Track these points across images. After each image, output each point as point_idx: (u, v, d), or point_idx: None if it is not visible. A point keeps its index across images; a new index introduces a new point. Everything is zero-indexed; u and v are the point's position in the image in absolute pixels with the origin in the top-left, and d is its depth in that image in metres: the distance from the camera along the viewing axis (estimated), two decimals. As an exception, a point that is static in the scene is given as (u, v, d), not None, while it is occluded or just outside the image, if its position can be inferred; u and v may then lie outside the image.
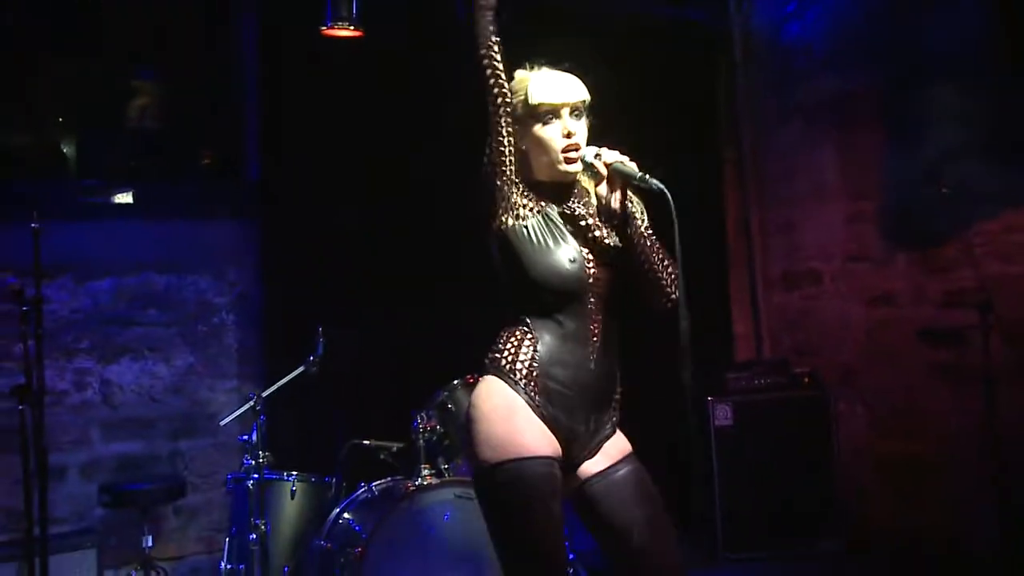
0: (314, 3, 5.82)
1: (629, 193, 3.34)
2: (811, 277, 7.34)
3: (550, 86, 3.29)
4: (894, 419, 6.77)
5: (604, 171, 3.26)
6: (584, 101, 3.32)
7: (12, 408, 4.64)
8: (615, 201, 3.26)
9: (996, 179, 5.98)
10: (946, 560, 6.14)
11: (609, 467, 3.28)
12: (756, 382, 6.63)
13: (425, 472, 4.93)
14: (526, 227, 3.23)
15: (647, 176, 3.16)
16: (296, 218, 6.53)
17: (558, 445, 3.17)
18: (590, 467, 3.28)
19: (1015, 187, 5.95)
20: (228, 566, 5.29)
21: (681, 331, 3.10)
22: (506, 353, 3.22)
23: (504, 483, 3.11)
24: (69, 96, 6.63)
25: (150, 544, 5.70)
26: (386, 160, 6.59)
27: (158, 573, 5.83)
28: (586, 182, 3.41)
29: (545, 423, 3.17)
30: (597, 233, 3.28)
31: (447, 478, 4.92)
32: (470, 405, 3.26)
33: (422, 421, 5.06)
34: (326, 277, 6.51)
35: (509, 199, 3.23)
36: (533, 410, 3.16)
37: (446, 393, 5.14)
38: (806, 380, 6.67)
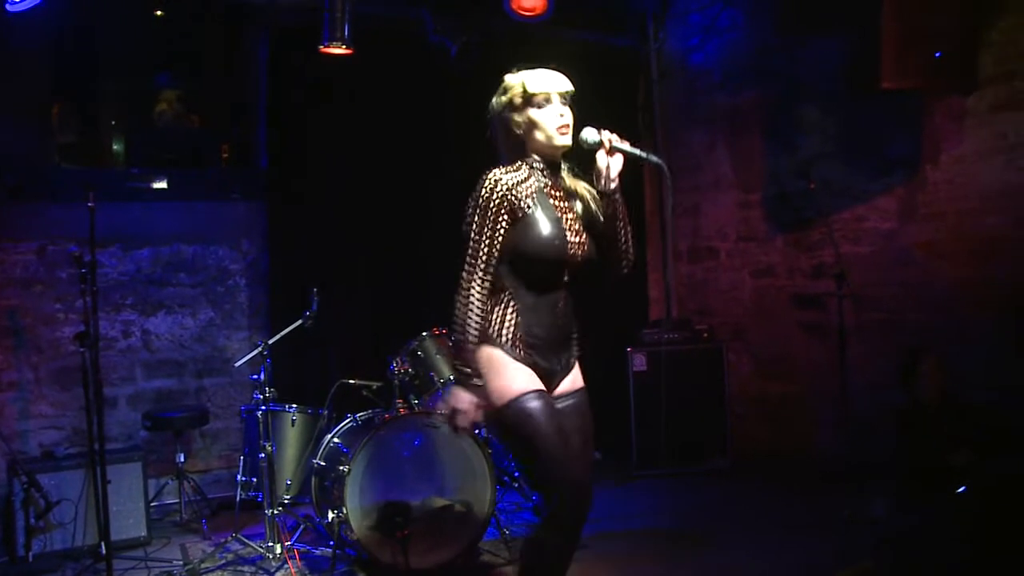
0: (313, 27, 5.92)
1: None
2: (710, 252, 7.56)
3: (544, 78, 3.33)
4: (771, 365, 7.09)
5: (608, 145, 3.28)
6: (570, 91, 3.35)
7: (76, 351, 4.73)
8: (613, 171, 3.29)
9: (847, 179, 6.39)
10: (805, 469, 6.44)
11: (566, 395, 3.43)
12: (665, 336, 6.79)
13: (399, 406, 5.04)
14: (526, 220, 3.26)
15: (649, 154, 3.31)
16: (296, 200, 6.63)
17: (540, 382, 3.31)
18: (557, 393, 3.41)
19: (861, 186, 6.33)
20: (243, 478, 5.44)
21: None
22: (494, 323, 3.30)
23: (514, 414, 3.25)
24: (119, 103, 6.77)
25: (182, 460, 5.96)
26: (368, 153, 6.66)
27: (189, 482, 6.06)
28: (566, 174, 3.44)
29: (530, 369, 3.31)
30: (575, 212, 3.37)
31: (416, 411, 5.00)
32: (480, 373, 3.28)
33: (397, 365, 5.18)
34: (320, 247, 6.61)
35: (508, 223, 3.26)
36: (519, 362, 3.28)
37: (416, 342, 5.24)
38: (704, 335, 6.87)
